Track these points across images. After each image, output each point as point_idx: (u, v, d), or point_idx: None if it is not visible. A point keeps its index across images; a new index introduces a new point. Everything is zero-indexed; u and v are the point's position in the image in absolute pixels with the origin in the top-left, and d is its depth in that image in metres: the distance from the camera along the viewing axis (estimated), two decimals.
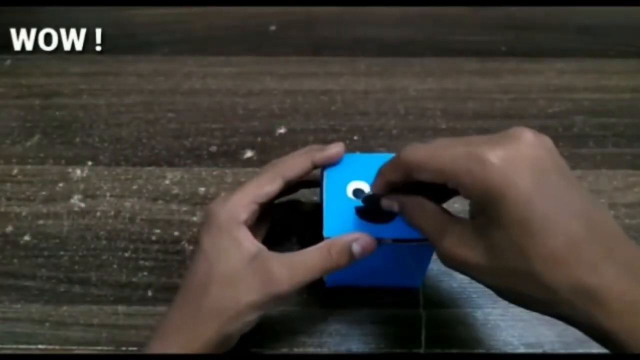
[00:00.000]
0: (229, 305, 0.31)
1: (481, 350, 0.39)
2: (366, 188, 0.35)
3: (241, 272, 0.32)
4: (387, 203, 0.32)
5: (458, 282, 0.42)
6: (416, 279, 0.40)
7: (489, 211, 0.25)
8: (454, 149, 0.26)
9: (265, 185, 0.35)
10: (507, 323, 0.40)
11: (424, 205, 0.30)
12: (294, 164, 0.36)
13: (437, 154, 0.27)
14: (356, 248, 0.32)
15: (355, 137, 0.52)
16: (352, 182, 0.35)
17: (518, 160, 0.25)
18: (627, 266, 0.24)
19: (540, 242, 0.24)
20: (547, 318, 0.40)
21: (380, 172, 0.31)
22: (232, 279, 0.32)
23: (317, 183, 0.38)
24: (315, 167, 0.36)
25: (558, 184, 0.25)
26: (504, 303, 0.40)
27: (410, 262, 0.36)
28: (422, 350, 0.39)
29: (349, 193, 0.35)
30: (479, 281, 0.28)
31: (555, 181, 0.25)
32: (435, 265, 0.43)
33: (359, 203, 0.34)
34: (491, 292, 0.42)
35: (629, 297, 0.23)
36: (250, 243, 0.33)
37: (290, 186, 0.36)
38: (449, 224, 0.28)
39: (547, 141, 0.27)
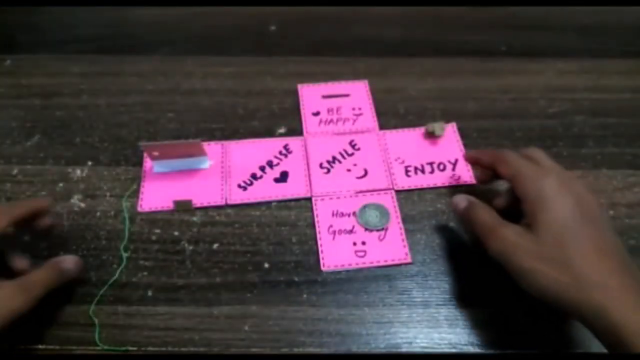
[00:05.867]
0: None
1: (481, 350, 0.39)
2: None
3: None
4: (459, 198, 0.41)
5: (457, 282, 0.42)
6: None
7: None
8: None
9: None
10: (505, 322, 0.40)
11: (487, 207, 0.40)
12: (20, 206, 0.40)
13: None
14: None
15: None
16: None
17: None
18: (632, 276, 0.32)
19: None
20: (542, 317, 0.40)
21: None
22: None
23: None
24: (35, 213, 0.40)
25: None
26: (502, 303, 0.41)
27: None
28: (421, 350, 0.39)
29: None
30: (518, 268, 0.34)
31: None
32: (435, 266, 0.43)
33: None
34: (489, 292, 0.42)
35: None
36: None
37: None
38: (502, 222, 0.37)
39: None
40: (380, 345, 0.39)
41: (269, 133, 0.52)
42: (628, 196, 0.48)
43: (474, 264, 0.43)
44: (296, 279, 0.42)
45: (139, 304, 0.41)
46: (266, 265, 0.43)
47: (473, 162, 0.46)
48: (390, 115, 0.54)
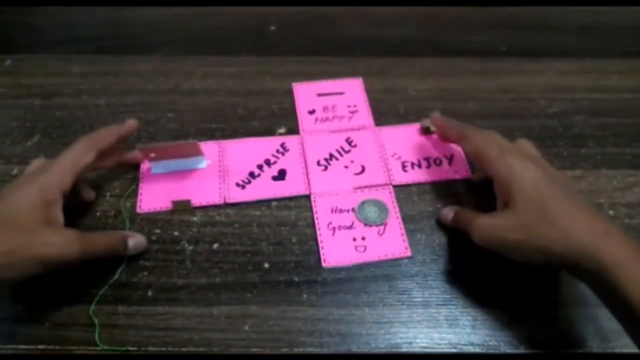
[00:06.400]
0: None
1: (481, 351, 0.39)
2: None
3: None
4: (446, 212, 0.44)
5: (457, 282, 0.42)
6: None
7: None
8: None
9: (80, 156, 0.40)
10: (506, 322, 0.40)
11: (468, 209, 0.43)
12: (103, 135, 0.43)
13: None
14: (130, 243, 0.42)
15: None
16: None
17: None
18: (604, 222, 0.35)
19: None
20: (542, 317, 0.40)
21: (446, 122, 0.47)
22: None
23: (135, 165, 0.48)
24: (120, 139, 0.44)
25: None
26: (502, 303, 0.41)
27: None
28: (421, 350, 0.39)
29: None
30: (503, 244, 0.37)
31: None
32: (436, 266, 0.43)
33: None
34: (489, 292, 0.42)
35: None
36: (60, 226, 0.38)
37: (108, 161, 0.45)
38: (479, 214, 0.40)
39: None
40: (380, 345, 0.39)
41: (269, 133, 0.52)
42: (628, 196, 0.48)
43: (474, 264, 0.43)
44: (296, 279, 0.42)
45: (139, 304, 0.41)
46: (266, 265, 0.43)
47: (439, 131, 0.49)
48: (390, 115, 0.54)
